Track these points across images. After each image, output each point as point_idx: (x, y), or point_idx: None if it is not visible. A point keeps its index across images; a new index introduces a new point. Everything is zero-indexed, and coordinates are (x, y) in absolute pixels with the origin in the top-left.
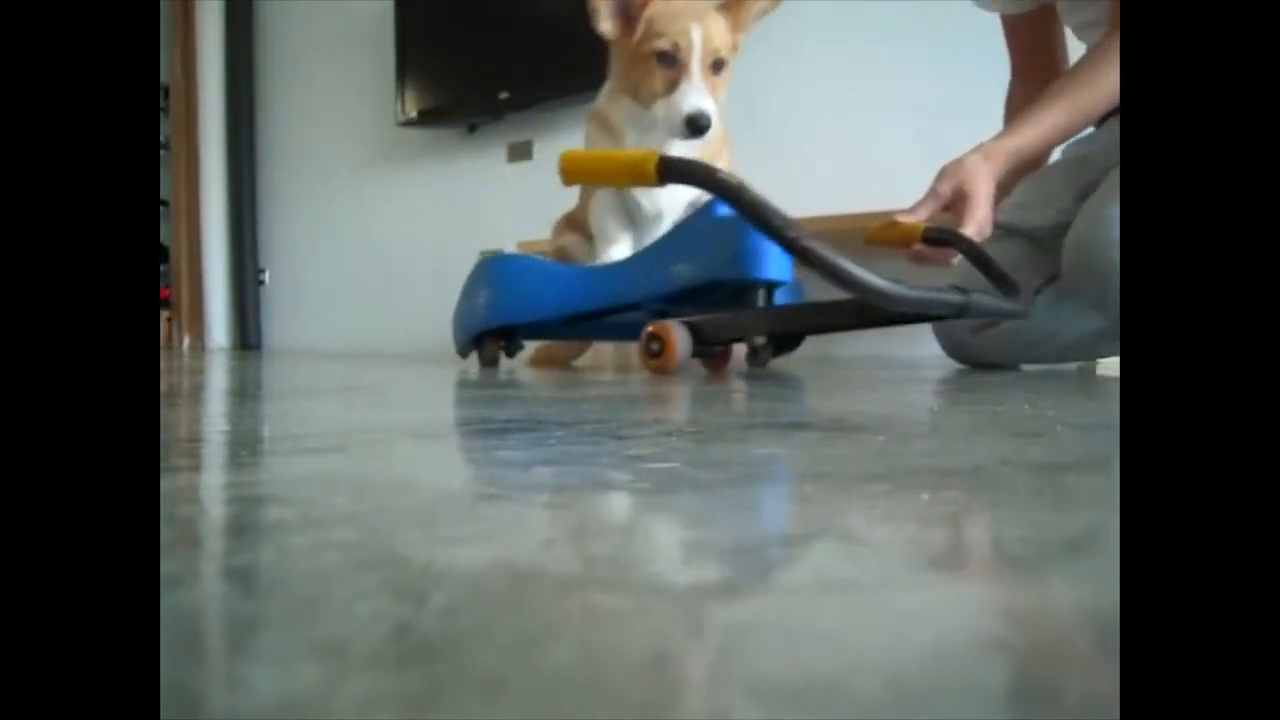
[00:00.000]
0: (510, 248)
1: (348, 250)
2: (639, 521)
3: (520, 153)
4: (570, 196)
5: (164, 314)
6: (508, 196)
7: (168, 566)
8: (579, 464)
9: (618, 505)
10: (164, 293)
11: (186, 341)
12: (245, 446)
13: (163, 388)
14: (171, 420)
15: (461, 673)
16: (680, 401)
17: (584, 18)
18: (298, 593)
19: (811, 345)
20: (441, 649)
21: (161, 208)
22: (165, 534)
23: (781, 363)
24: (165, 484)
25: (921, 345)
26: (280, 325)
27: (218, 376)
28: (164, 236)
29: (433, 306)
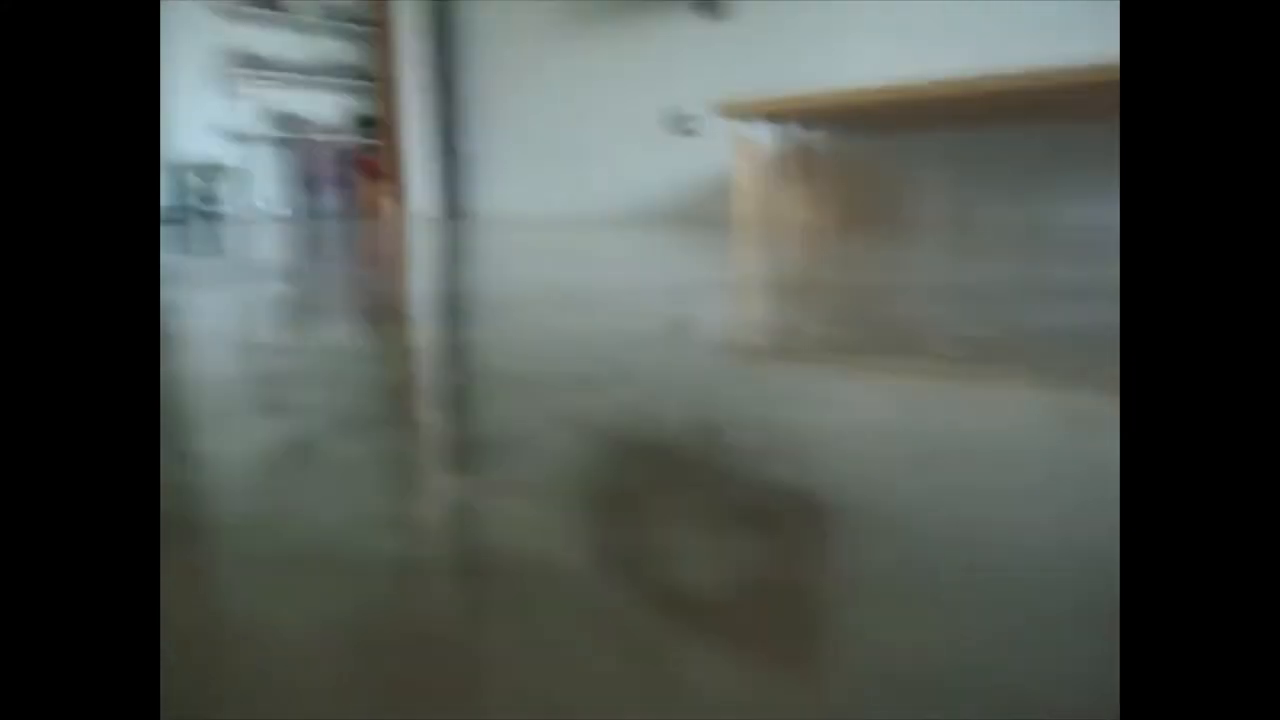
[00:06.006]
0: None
1: (549, 114)
2: None
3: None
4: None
5: (375, 184)
6: (709, 56)
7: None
8: None
9: None
10: (374, 164)
11: (400, 211)
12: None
13: (398, 253)
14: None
15: None
16: None
17: None
18: None
19: None
20: None
21: (367, 82)
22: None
23: None
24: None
25: None
26: (483, 192)
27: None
28: (370, 109)
29: (631, 172)
